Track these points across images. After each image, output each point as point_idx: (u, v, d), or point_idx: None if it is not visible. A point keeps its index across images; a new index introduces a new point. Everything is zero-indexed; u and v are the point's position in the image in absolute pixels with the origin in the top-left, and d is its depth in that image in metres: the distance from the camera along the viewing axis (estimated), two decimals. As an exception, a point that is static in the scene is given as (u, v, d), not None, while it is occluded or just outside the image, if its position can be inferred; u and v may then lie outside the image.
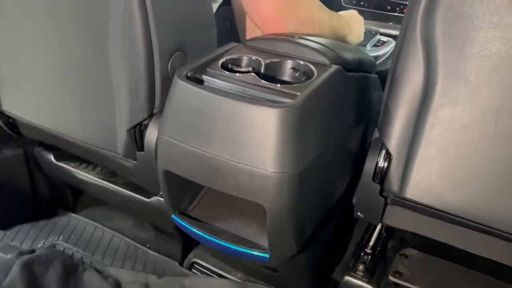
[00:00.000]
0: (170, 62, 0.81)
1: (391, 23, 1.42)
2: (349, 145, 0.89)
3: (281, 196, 0.67)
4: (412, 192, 0.82)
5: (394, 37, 1.35)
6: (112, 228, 1.20)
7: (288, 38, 0.84)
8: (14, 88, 0.98)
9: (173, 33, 0.80)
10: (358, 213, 0.90)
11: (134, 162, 0.88)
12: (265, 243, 0.75)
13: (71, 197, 1.27)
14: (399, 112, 0.79)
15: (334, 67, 0.76)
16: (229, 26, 1.87)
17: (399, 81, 0.78)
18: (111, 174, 1.10)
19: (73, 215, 1.25)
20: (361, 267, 0.89)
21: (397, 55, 0.78)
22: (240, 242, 0.76)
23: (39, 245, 1.12)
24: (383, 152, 0.83)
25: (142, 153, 0.85)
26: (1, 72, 0.97)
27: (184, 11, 0.81)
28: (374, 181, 0.85)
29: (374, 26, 1.42)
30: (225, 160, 0.67)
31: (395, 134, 0.80)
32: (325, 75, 0.73)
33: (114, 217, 1.24)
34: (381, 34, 1.38)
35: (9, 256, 1.02)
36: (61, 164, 1.14)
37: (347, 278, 0.88)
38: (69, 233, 1.17)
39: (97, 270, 1.01)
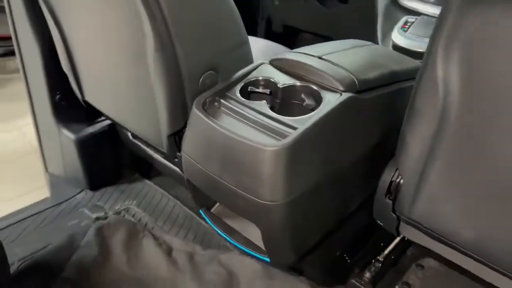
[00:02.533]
0: (200, 80, 0.90)
1: None
2: (366, 161, 0.91)
3: (272, 220, 0.77)
4: (419, 216, 0.84)
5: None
6: (176, 197, 1.40)
7: (311, 59, 0.87)
8: (91, 85, 1.18)
9: (201, 55, 0.88)
10: (378, 221, 0.95)
11: (176, 160, 1.03)
12: (268, 248, 0.86)
13: (147, 166, 1.49)
14: (413, 144, 0.80)
15: (343, 96, 0.79)
16: (277, 2, 1.87)
17: (417, 115, 0.78)
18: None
19: (147, 182, 1.48)
20: (367, 274, 0.95)
21: (416, 89, 0.77)
22: (247, 244, 0.89)
23: (117, 207, 1.37)
24: (397, 173, 0.85)
25: (180, 154, 1.00)
26: (81, 73, 1.17)
27: (213, 34, 0.88)
28: (387, 198, 0.88)
29: None
30: (226, 184, 0.78)
31: (408, 162, 0.82)
32: (329, 107, 0.77)
33: (178, 187, 1.43)
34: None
35: (94, 215, 1.30)
36: (135, 141, 1.36)
37: (351, 282, 0.95)
38: (141, 198, 1.40)
39: (154, 237, 1.23)
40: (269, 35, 2.02)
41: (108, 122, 1.40)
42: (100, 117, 1.41)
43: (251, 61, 0.97)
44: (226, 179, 0.78)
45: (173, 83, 0.88)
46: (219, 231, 0.93)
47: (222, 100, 0.83)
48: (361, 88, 0.83)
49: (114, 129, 1.41)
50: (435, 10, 1.33)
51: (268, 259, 0.87)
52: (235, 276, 1.11)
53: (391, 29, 1.36)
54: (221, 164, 0.78)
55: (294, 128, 0.74)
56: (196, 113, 0.80)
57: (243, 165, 0.75)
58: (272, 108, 0.82)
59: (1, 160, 1.88)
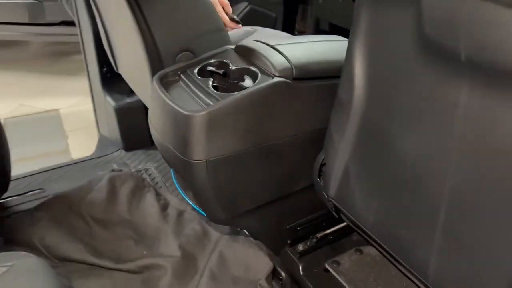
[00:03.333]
0: (176, 59, 1.09)
1: None
2: (305, 145, 1.00)
3: (197, 177, 0.92)
4: (336, 196, 0.92)
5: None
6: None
7: (263, 47, 0.99)
8: (118, 58, 1.43)
9: (175, 37, 1.06)
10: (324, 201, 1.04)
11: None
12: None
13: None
14: (334, 131, 0.91)
15: (274, 80, 0.91)
16: (321, 1, 1.93)
17: (338, 105, 0.89)
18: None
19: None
20: (300, 246, 1.04)
21: (340, 82, 0.86)
22: (193, 199, 1.05)
23: (140, 166, 1.63)
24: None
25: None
26: (114, 49, 1.43)
27: (186, 19, 1.06)
28: (320, 179, 0.97)
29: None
30: (168, 146, 0.96)
31: (329, 147, 0.92)
32: (256, 87, 0.90)
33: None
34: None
35: (123, 169, 1.57)
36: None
37: (284, 250, 1.05)
38: (161, 163, 1.64)
39: (157, 193, 1.45)
40: (318, 33, 2.11)
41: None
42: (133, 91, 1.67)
43: (229, 46, 1.12)
44: (166, 141, 0.95)
45: (153, 59, 1.08)
46: (178, 188, 1.11)
47: (182, 76, 1.01)
48: (298, 76, 0.93)
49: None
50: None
51: (204, 213, 1.02)
52: (207, 234, 1.28)
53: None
54: (163, 128, 0.96)
55: (216, 102, 0.89)
56: (154, 82, 0.99)
57: (177, 129, 0.91)
58: (223, 86, 0.97)
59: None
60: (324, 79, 0.97)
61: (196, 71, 1.00)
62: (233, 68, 0.98)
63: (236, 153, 0.91)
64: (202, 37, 1.09)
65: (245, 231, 1.25)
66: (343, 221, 1.13)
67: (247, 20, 1.82)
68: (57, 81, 2.81)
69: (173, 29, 1.05)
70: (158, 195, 1.45)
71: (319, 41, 1.07)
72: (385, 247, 0.86)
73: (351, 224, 0.99)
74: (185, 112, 0.88)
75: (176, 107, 0.90)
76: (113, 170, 1.51)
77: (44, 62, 3.10)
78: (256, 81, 0.92)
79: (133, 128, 1.70)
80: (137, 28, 1.03)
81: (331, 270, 1.01)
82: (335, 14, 1.94)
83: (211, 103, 0.88)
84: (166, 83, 0.99)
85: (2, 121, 1.80)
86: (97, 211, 1.36)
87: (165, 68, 1.08)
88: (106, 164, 1.64)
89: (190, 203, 1.07)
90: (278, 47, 0.98)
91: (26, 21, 2.68)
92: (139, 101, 1.66)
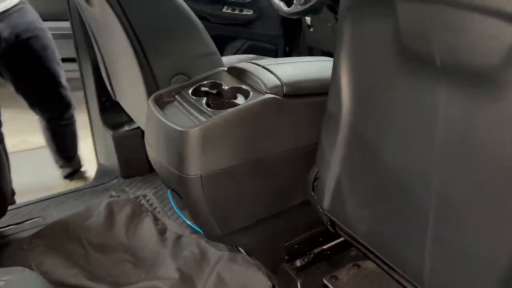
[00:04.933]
0: (171, 82, 1.13)
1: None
2: (298, 160, 1.02)
3: (191, 192, 0.94)
4: (329, 209, 0.94)
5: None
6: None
7: (254, 67, 1.04)
8: (117, 87, 1.48)
9: (169, 61, 1.11)
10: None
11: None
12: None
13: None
14: (326, 144, 0.93)
15: (265, 97, 0.94)
16: (311, 29, 2.01)
17: (328, 119, 0.92)
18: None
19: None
20: (298, 262, 1.04)
21: (329, 95, 0.89)
22: (189, 217, 1.06)
23: (138, 193, 1.64)
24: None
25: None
26: (112, 78, 1.48)
27: (179, 44, 1.11)
28: (314, 193, 0.99)
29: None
30: (163, 163, 0.98)
31: (322, 161, 0.94)
32: (248, 103, 0.93)
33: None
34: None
35: (121, 196, 1.58)
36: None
37: (282, 266, 1.05)
38: (159, 189, 1.65)
39: (155, 218, 1.45)
40: (311, 60, 2.18)
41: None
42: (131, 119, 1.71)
43: (221, 69, 1.17)
44: (162, 157, 0.98)
45: (149, 83, 1.12)
46: (176, 209, 1.12)
47: (176, 96, 1.05)
48: (289, 93, 0.97)
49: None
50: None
51: (200, 231, 1.03)
52: (205, 256, 1.28)
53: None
54: (158, 145, 0.99)
55: (210, 118, 0.92)
56: (149, 103, 1.03)
57: (171, 145, 0.94)
58: (217, 105, 1.01)
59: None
60: (313, 96, 1.00)
61: (190, 91, 1.04)
62: (226, 87, 1.02)
63: (230, 168, 0.94)
64: (196, 60, 1.14)
65: (243, 251, 1.25)
66: (339, 237, 1.14)
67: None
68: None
69: (168, 54, 1.10)
70: (156, 219, 1.46)
71: (308, 61, 1.12)
72: (380, 256, 0.87)
73: (347, 238, 0.99)
74: (179, 128, 0.91)
75: (170, 124, 0.93)
76: (111, 196, 1.52)
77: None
78: (248, 98, 0.95)
79: (131, 156, 1.73)
80: (134, 54, 1.07)
81: (329, 285, 1.01)
82: (324, 41, 2.01)
83: (204, 120, 0.92)
84: (161, 104, 1.02)
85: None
86: (95, 236, 1.36)
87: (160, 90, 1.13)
88: (105, 191, 1.65)
89: (188, 222, 1.08)
90: (268, 67, 1.02)
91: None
92: (137, 129, 1.70)
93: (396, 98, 0.76)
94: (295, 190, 1.06)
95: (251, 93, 0.96)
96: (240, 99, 0.98)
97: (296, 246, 1.11)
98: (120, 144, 1.69)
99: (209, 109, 0.95)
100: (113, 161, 1.73)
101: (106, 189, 1.68)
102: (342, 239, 1.11)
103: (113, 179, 1.73)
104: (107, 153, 1.76)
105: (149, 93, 1.13)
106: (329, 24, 1.99)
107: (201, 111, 0.95)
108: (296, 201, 1.06)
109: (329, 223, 1.01)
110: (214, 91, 1.03)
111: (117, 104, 1.62)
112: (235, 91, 1.01)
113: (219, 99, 1.03)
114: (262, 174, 0.99)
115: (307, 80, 1.01)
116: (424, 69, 0.68)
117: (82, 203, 1.56)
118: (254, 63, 1.05)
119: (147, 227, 1.42)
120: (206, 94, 1.03)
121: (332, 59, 1.17)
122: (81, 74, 1.72)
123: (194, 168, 0.91)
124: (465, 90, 0.63)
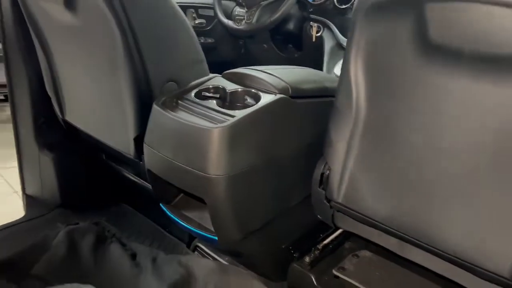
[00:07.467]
0: (162, 89, 1.08)
1: None
2: (302, 158, 1.07)
3: (217, 192, 0.91)
4: (344, 199, 0.99)
5: None
6: (145, 214, 1.53)
7: (256, 71, 1.06)
8: (70, 103, 1.35)
9: (163, 67, 1.07)
10: (318, 216, 1.09)
11: (142, 163, 1.17)
12: (215, 228, 0.99)
13: (119, 186, 1.61)
14: (336, 138, 0.97)
15: (277, 96, 0.97)
16: (243, 50, 2.14)
17: (337, 114, 0.96)
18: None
19: (119, 200, 1.60)
20: (307, 258, 1.07)
21: (336, 91, 0.96)
22: (199, 227, 1.01)
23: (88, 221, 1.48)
24: (327, 166, 1.01)
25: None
26: (63, 93, 1.34)
27: (173, 49, 1.08)
28: (320, 188, 1.03)
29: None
30: (179, 164, 0.93)
31: (333, 154, 0.98)
32: (265, 102, 0.95)
33: (147, 204, 1.54)
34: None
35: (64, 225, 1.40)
36: (109, 161, 1.50)
37: (293, 265, 1.07)
38: (112, 215, 1.51)
39: (121, 243, 1.33)
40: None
41: (83, 144, 1.55)
42: (76, 140, 1.55)
43: (208, 77, 1.16)
44: (179, 160, 0.93)
45: (142, 90, 1.06)
46: (177, 219, 1.06)
47: (179, 101, 1.01)
48: (294, 94, 1.02)
49: (88, 151, 1.56)
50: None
51: (215, 237, 0.99)
52: (193, 273, 1.21)
53: (334, 66, 1.59)
54: (174, 147, 0.94)
55: (234, 117, 0.91)
56: (155, 108, 0.97)
57: (192, 146, 0.90)
58: (229, 107, 1.00)
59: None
60: (313, 98, 1.07)
61: (193, 95, 1.02)
62: (230, 91, 1.02)
63: (252, 167, 0.93)
64: (186, 67, 1.12)
65: (235, 262, 1.22)
66: (333, 232, 1.20)
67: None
68: None
69: (164, 60, 1.06)
70: (122, 244, 1.34)
71: (296, 68, 1.18)
72: (402, 234, 0.93)
73: (350, 229, 1.06)
74: (204, 127, 0.88)
75: (192, 124, 0.90)
76: (68, 225, 1.34)
77: None
78: (262, 99, 0.97)
79: (74, 182, 1.56)
80: (129, 60, 1.02)
81: (340, 275, 1.05)
82: (260, 62, 2.11)
83: (228, 119, 0.91)
84: (169, 107, 0.98)
85: None
86: (59, 269, 1.19)
87: (154, 98, 1.07)
88: (48, 224, 1.45)
89: (194, 229, 1.02)
90: (267, 71, 1.06)
91: None
92: (79, 151, 1.55)
93: (415, 86, 0.85)
94: (296, 189, 1.09)
95: (262, 94, 0.99)
96: (250, 101, 0.99)
97: (301, 244, 1.13)
98: (62, 169, 1.51)
99: (224, 110, 0.95)
100: (51, 188, 1.54)
101: (48, 221, 1.47)
102: (339, 232, 1.18)
103: (53, 209, 1.53)
104: (44, 180, 1.55)
105: (141, 101, 1.07)
106: (264, 45, 2.12)
107: (218, 112, 0.94)
108: (299, 199, 1.09)
109: (331, 216, 1.06)
110: (218, 95, 1.03)
111: (57, 124, 1.46)
112: (242, 93, 1.02)
113: (223, 103, 1.03)
114: (276, 173, 1.01)
115: (307, 82, 1.07)
116: (450, 60, 0.80)
117: (24, 239, 1.34)
118: (250, 69, 1.08)
119: (117, 253, 1.29)
120: (210, 98, 1.02)
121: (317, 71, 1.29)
122: (10, 90, 1.50)
123: (220, 168, 0.89)
124: (490, 76, 0.76)
